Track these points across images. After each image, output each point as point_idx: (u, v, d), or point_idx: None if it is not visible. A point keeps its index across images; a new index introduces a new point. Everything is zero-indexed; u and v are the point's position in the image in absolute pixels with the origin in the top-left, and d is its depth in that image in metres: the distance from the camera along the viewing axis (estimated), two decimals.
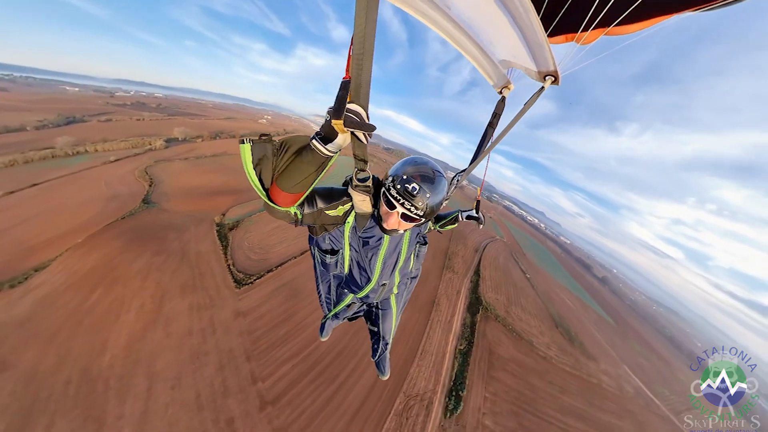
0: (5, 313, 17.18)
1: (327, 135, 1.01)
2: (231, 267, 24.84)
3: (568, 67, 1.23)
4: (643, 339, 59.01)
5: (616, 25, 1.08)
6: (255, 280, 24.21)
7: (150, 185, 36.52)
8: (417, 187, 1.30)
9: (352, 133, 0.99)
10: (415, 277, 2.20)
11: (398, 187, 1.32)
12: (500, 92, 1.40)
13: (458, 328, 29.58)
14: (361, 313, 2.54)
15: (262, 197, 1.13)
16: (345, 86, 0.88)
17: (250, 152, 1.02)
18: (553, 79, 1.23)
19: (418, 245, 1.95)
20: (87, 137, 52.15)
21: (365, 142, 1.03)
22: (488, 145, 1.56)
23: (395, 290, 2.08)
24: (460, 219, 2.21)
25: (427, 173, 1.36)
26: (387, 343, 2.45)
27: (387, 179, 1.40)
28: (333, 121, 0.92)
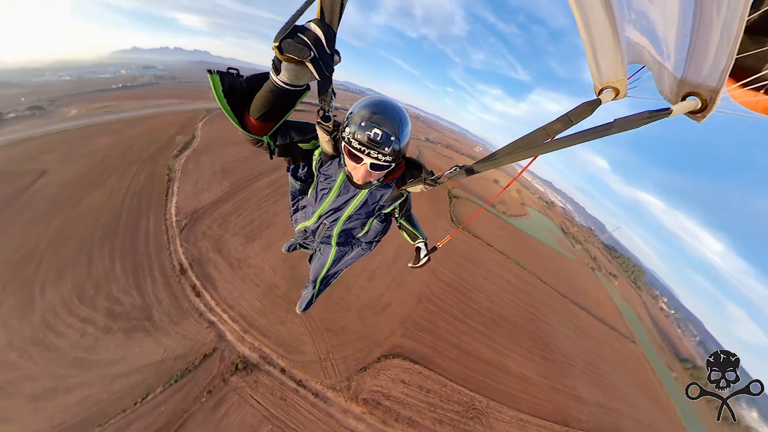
0: None
1: (275, 63, 0.92)
2: None
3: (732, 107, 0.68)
4: None
5: None
6: None
7: (419, 154, 67.79)
8: (379, 133, 1.22)
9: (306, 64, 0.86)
10: (363, 251, 2.25)
11: (359, 137, 1.24)
12: (598, 93, 0.83)
13: None
14: (311, 248, 2.64)
15: (234, 123, 1.14)
16: (308, 1, 0.78)
17: (219, 81, 1.02)
18: (701, 105, 0.68)
19: (376, 220, 1.97)
20: None
21: (317, 77, 0.91)
22: (527, 149, 0.99)
23: (334, 242, 2.09)
24: (414, 243, 2.11)
25: (387, 115, 1.27)
26: (313, 285, 2.62)
27: (344, 131, 1.30)
28: (273, 44, 0.80)
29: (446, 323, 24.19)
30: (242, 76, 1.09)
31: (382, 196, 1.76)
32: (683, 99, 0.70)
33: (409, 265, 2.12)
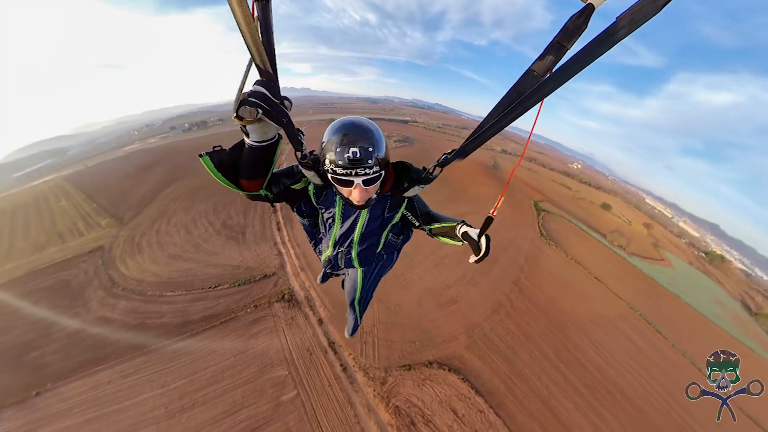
0: None
1: (242, 129, 1.08)
2: None
3: None
4: None
5: None
6: None
7: (494, 164, 61.67)
8: (357, 150, 1.22)
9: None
10: (387, 266, 2.27)
11: (340, 163, 1.24)
12: None
13: None
14: (341, 273, 2.58)
15: (234, 189, 1.31)
16: (247, 69, 0.90)
17: (210, 160, 1.18)
18: None
19: (391, 234, 1.96)
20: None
21: (275, 125, 1.05)
22: (522, 102, 0.95)
23: (357, 264, 2.04)
24: (457, 233, 1.62)
25: (357, 132, 1.28)
26: (353, 308, 2.67)
27: (323, 164, 1.31)
28: (233, 116, 0.95)
29: (531, 358, 16.26)
30: (225, 150, 1.23)
31: (384, 207, 1.74)
32: None
33: (470, 260, 1.58)
